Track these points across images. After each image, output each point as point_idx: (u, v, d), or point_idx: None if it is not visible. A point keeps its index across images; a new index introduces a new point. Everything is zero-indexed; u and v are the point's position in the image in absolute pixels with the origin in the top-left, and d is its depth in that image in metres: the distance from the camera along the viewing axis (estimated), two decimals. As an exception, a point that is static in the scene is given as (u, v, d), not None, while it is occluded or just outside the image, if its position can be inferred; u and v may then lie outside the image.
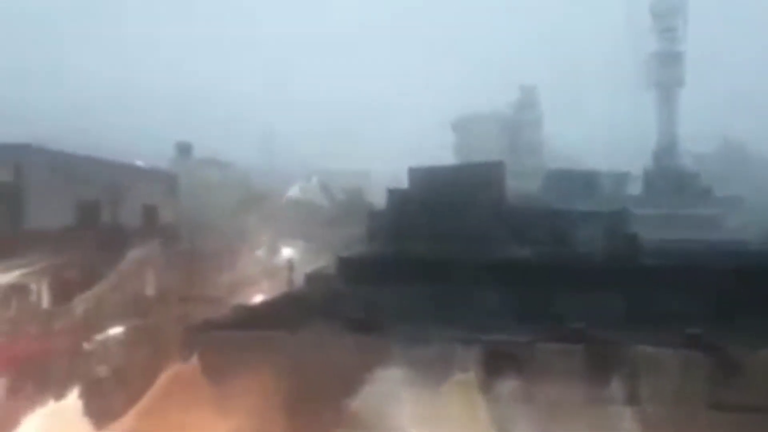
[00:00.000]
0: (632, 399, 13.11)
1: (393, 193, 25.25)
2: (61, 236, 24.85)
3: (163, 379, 14.17)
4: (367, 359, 11.69)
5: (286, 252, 42.89)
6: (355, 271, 16.70)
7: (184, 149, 56.21)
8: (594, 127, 76.47)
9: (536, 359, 12.63)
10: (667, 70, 57.54)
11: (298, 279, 28.34)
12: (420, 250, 20.06)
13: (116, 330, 27.03)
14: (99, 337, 26.38)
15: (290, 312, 13.91)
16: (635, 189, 55.22)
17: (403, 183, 26.69)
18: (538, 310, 16.56)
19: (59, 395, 23.14)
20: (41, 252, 23.46)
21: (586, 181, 48.32)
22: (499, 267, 16.96)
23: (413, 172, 24.66)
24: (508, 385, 12.26)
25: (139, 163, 40.47)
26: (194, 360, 13.06)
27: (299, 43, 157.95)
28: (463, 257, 16.49)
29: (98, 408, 23.13)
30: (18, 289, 22.97)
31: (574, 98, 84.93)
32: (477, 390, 12.19)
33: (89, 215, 27.87)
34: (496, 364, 12.38)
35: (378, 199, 40.03)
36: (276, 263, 41.44)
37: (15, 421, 19.55)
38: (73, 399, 19.39)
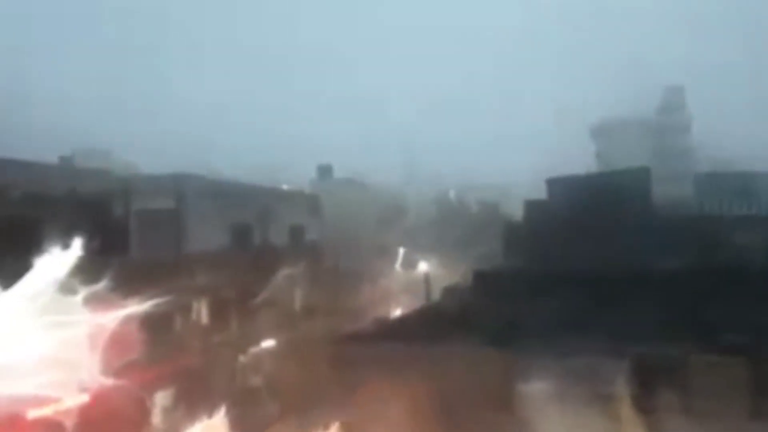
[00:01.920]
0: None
1: (531, 205, 24.81)
2: (218, 258, 26.61)
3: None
4: (510, 373, 11.57)
5: (423, 266, 43.28)
6: (492, 284, 16.58)
7: (324, 171, 58.42)
8: (746, 128, 70.65)
9: (691, 373, 11.89)
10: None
11: (435, 293, 28.57)
12: (560, 262, 19.53)
13: (268, 343, 28.54)
14: (253, 349, 27.99)
15: (429, 325, 14.07)
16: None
17: (542, 194, 26.14)
18: (691, 322, 15.59)
19: (218, 405, 24.84)
20: (200, 273, 25.24)
21: (741, 183, 44.60)
22: (649, 278, 16.14)
23: (552, 183, 24.09)
24: (660, 400, 11.63)
25: (285, 186, 42.75)
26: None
27: (432, 53, 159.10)
28: (607, 269, 15.87)
29: (253, 415, 24.55)
30: (181, 308, 24.80)
31: (723, 98, 79.04)
32: (626, 405, 11.68)
33: (242, 237, 29.65)
34: (648, 377, 11.79)
35: (516, 212, 39.47)
36: (414, 278, 41.93)
37: (181, 426, 21.16)
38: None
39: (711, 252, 21.46)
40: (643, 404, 11.87)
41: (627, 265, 18.08)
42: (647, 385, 12.07)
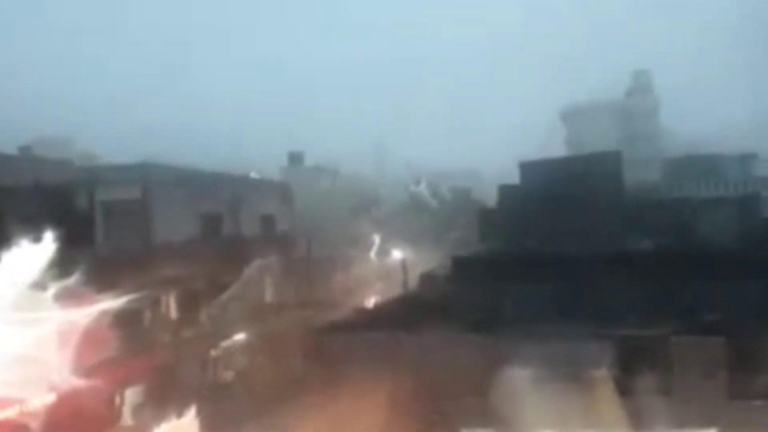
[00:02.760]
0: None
1: (504, 190, 24.66)
2: (186, 249, 26.00)
3: None
4: (493, 358, 11.40)
5: (397, 254, 43.13)
6: (470, 270, 16.40)
7: (295, 158, 57.87)
8: (714, 110, 71.77)
9: (672, 353, 11.85)
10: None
11: (411, 280, 28.37)
12: (536, 246, 19.45)
13: (240, 336, 28.06)
14: (224, 343, 27.49)
15: (409, 313, 13.85)
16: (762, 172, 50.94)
17: (514, 180, 26.05)
18: (668, 304, 15.60)
19: (189, 402, 24.37)
20: (169, 264, 24.63)
21: (708, 166, 45.18)
22: (624, 260, 16.11)
23: (525, 167, 23.96)
24: (643, 381, 11.57)
25: (255, 174, 42.04)
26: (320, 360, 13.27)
27: (403, 43, 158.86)
28: (583, 252, 15.81)
29: (225, 411, 24.15)
30: (150, 301, 24.20)
31: (690, 81, 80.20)
32: (609, 386, 11.59)
33: (211, 227, 29.04)
34: (630, 359, 11.73)
35: (489, 198, 39.46)
36: (388, 266, 41.75)
37: (152, 424, 20.70)
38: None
39: (683, 233, 21.61)
40: (624, 386, 11.80)
41: (602, 248, 18.05)
42: (627, 367, 12.02)
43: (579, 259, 15.62)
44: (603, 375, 11.75)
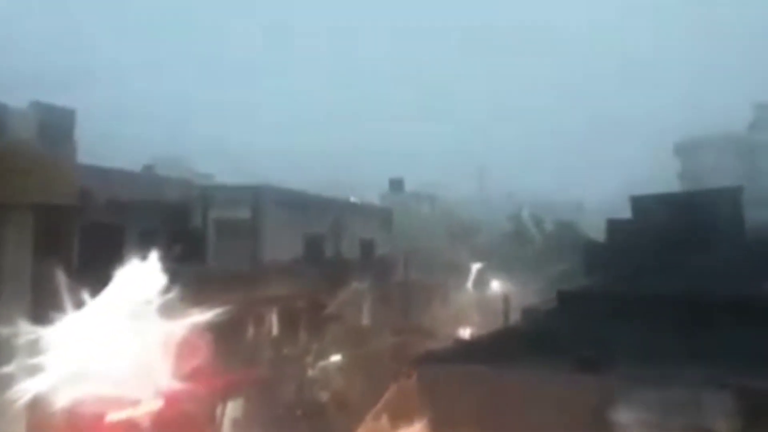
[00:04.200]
0: None
1: (614, 224, 23.71)
2: (291, 269, 26.69)
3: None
4: (599, 400, 10.82)
5: (495, 285, 42.41)
6: (577, 306, 15.77)
7: (396, 184, 58.35)
8: None
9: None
10: None
11: (513, 313, 27.73)
12: (645, 284, 18.50)
13: (336, 358, 28.36)
14: (321, 363, 27.86)
15: (512, 347, 13.47)
16: None
17: (620, 213, 25.14)
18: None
19: (286, 416, 24.79)
20: (273, 283, 25.35)
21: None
22: (745, 304, 14.98)
23: (637, 201, 22.96)
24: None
25: (356, 199, 42.77)
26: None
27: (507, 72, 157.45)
28: (697, 293, 14.85)
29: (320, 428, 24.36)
30: (255, 318, 24.96)
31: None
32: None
33: (315, 249, 29.70)
34: (750, 411, 10.80)
35: (592, 231, 38.17)
36: (486, 296, 41.10)
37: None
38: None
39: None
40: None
41: (719, 289, 16.91)
42: (749, 419, 11.07)
43: (695, 301, 14.71)
44: (721, 426, 10.89)
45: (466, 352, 14.10)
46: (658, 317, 13.64)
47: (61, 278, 15.78)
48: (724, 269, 17.61)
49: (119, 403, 16.24)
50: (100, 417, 16.15)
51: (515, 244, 49.71)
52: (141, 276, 16.67)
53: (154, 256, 16.99)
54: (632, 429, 10.79)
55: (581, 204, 72.40)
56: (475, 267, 43.29)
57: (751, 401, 11.54)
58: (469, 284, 42.94)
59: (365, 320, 32.23)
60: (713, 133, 64.32)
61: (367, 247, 34.47)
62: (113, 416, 16.43)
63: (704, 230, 20.10)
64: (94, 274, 16.76)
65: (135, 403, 16.68)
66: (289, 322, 26.89)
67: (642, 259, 19.11)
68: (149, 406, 17.14)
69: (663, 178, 56.37)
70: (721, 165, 57.49)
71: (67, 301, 15.81)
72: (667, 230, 20.21)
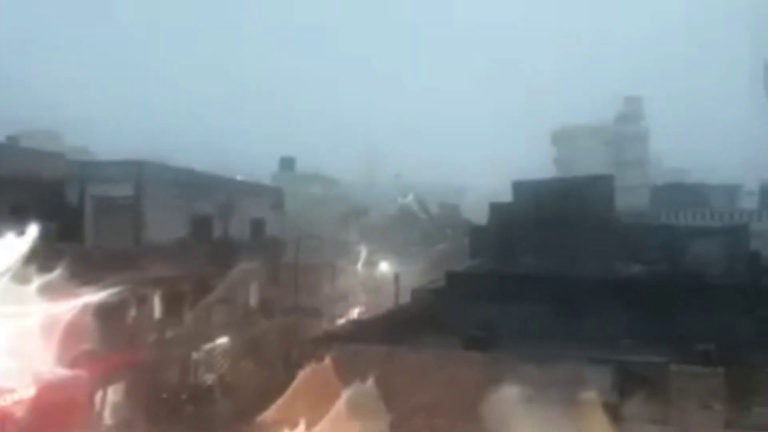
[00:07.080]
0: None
1: (496, 208, 24.77)
2: (176, 249, 25.79)
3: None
4: (486, 376, 11.38)
5: (384, 265, 43.06)
6: (465, 286, 16.40)
7: (287, 163, 57.68)
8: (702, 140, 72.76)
9: (668, 381, 11.88)
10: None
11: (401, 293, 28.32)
12: (528, 265, 19.54)
13: (222, 340, 27.85)
14: (206, 346, 27.26)
15: (404, 327, 13.82)
16: (749, 203, 51.81)
17: (501, 197, 26.25)
18: (657, 331, 15.75)
19: (170, 400, 24.11)
20: (158, 263, 24.40)
21: (697, 195, 45.84)
22: (616, 284, 16.25)
23: (518, 186, 24.11)
24: (637, 407, 11.60)
25: (247, 178, 41.82)
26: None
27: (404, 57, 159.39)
28: (579, 274, 15.90)
29: (205, 414, 23.92)
30: (137, 300, 23.96)
31: (681, 109, 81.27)
32: (601, 410, 11.60)
33: (202, 229, 28.80)
34: (626, 384, 11.75)
35: (474, 215, 39.64)
36: (374, 276, 41.67)
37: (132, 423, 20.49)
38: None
39: (672, 260, 21.84)
40: (619, 411, 11.84)
41: (594, 270, 18.20)
42: (622, 391, 12.06)
43: (574, 280, 15.75)
44: (596, 399, 11.77)
45: (367, 332, 14.30)
46: (534, 298, 14.48)
47: None
48: (596, 250, 18.96)
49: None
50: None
51: (402, 225, 50.64)
52: (14, 256, 15.57)
53: (28, 235, 15.90)
54: (516, 403, 11.46)
55: (463, 187, 74.73)
56: (363, 248, 43.74)
57: (620, 375, 12.58)
58: (359, 265, 43.33)
59: (254, 301, 31.79)
60: (585, 123, 68.45)
61: (258, 227, 33.89)
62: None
63: (578, 214, 21.48)
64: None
65: (9, 391, 15.64)
66: (174, 303, 26.04)
67: (522, 241, 20.18)
68: (23, 393, 16.14)
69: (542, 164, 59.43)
70: (592, 153, 61.39)
71: None
72: (544, 214, 21.41)
